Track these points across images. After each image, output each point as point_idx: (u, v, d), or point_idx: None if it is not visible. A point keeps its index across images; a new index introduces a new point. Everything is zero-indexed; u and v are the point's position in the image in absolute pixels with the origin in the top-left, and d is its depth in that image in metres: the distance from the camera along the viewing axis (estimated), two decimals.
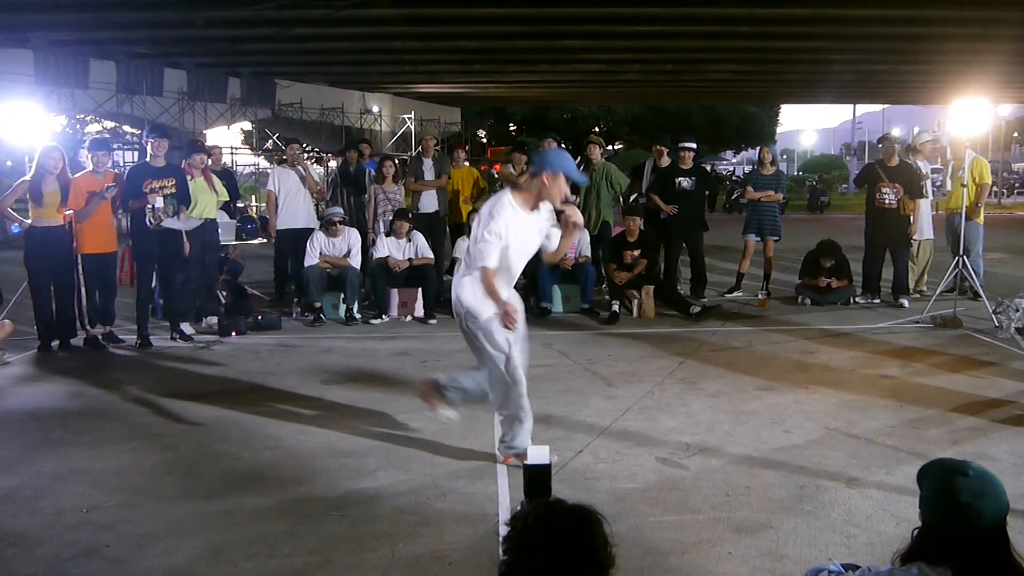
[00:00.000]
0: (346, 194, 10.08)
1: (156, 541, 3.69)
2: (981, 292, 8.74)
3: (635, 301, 8.81)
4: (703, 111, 39.20)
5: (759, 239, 10.02)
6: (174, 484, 4.36)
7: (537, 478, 3.64)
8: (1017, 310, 7.59)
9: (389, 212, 9.57)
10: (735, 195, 26.22)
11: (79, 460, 4.73)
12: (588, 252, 9.24)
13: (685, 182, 9.61)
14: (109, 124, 26.09)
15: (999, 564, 2.04)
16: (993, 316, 7.90)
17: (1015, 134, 59.36)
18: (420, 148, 10.65)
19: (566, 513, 1.84)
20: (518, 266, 4.49)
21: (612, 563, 1.84)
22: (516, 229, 4.31)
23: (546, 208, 4.45)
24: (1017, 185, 39.08)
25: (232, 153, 29.51)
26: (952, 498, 2.04)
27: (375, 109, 26.11)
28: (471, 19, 14.53)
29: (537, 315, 8.78)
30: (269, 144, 29.49)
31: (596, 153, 10.04)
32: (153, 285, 8.06)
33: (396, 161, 10.31)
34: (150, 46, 16.43)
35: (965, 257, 8.68)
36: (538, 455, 3.74)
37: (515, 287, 4.31)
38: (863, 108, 51.56)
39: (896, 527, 3.70)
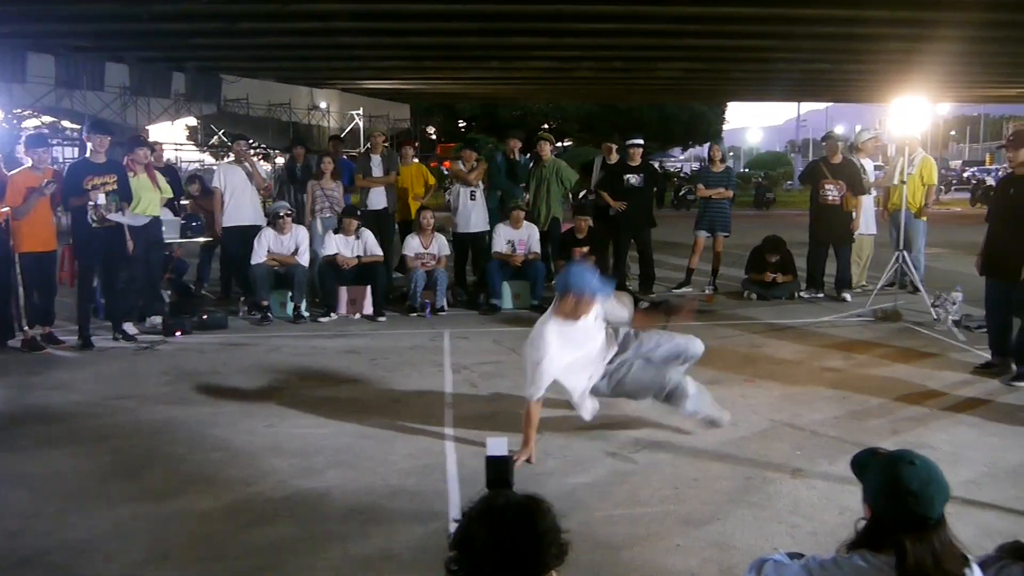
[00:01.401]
0: (292, 191, 9.96)
1: (99, 547, 3.61)
2: (920, 286, 8.96)
3: None
4: (652, 108, 39.58)
5: (710, 235, 10.14)
6: (118, 488, 4.27)
7: (497, 469, 3.66)
8: (954, 303, 7.80)
9: (327, 209, 9.52)
10: (683, 192, 26.53)
11: (18, 465, 4.61)
12: (537, 249, 9.26)
13: (634, 179, 9.69)
14: (48, 119, 25.44)
15: (941, 549, 2.11)
16: (932, 309, 8.11)
17: (952, 132, 61.05)
18: (368, 144, 10.57)
19: (509, 504, 1.82)
20: (592, 359, 4.76)
21: (561, 552, 1.82)
22: (569, 341, 4.59)
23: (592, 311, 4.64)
24: (955, 182, 40.14)
25: (177, 149, 29.02)
26: (902, 487, 2.10)
27: (323, 105, 25.87)
28: (421, 15, 14.46)
29: (487, 312, 8.81)
30: (215, 140, 29.03)
31: (546, 150, 10.10)
32: (95, 284, 7.88)
33: (333, 158, 10.14)
34: (91, 40, 16.06)
35: (906, 252, 8.90)
36: (496, 446, 3.76)
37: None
38: (807, 106, 52.63)
39: (839, 516, 3.78)
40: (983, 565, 2.44)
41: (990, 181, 30.02)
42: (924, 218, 9.86)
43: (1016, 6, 13.23)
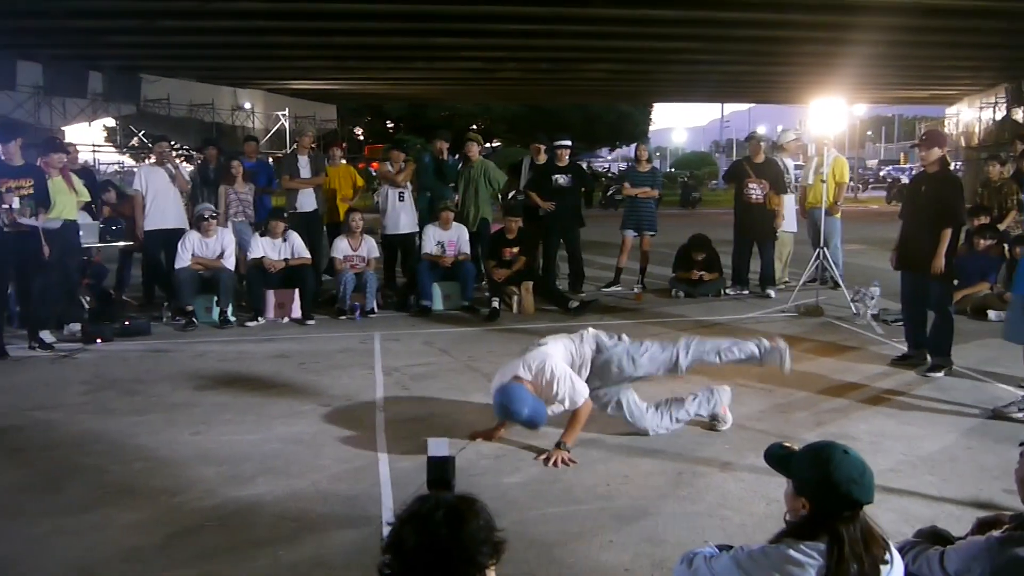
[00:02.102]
0: (207, 194, 9.71)
1: (16, 564, 3.47)
2: (840, 281, 9.25)
3: (515, 297, 8.89)
4: (578, 109, 39.85)
5: (637, 235, 10.28)
6: (36, 501, 4.11)
7: (439, 470, 3.66)
8: (872, 298, 8.06)
9: (240, 213, 9.36)
10: (611, 191, 26.81)
11: None
12: (467, 249, 9.25)
13: (562, 179, 9.75)
14: None
15: (868, 533, 2.24)
16: (851, 304, 8.37)
17: (869, 132, 63.14)
18: (295, 145, 10.41)
19: (439, 505, 1.81)
20: None
21: (496, 551, 1.80)
22: None
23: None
24: (871, 180, 41.51)
25: (94, 151, 28.15)
26: (845, 475, 2.21)
27: (247, 106, 25.42)
28: (344, 14, 14.33)
29: (417, 313, 8.76)
30: (135, 142, 28.26)
31: (474, 151, 10.09)
32: (8, 291, 7.57)
33: (242, 160, 9.92)
34: (0, 36, 15.46)
35: (825, 249, 9.16)
36: (438, 447, 3.76)
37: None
38: (731, 107, 53.73)
39: (767, 507, 3.88)
40: (901, 550, 2.55)
41: (904, 179, 31.11)
42: (837, 215, 10.17)
43: (925, 12, 13.77)
